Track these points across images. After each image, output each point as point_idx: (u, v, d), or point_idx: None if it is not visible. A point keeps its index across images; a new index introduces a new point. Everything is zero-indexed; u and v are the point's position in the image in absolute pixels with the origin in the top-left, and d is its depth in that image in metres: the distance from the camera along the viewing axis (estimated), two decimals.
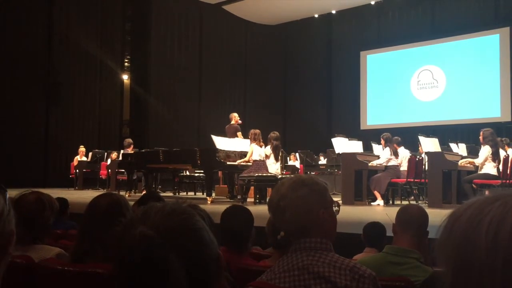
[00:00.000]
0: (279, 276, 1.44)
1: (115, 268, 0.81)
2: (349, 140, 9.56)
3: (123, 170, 10.49)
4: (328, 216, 1.53)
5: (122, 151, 11.26)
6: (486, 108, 14.06)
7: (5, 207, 1.08)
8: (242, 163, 8.32)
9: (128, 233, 0.80)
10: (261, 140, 8.34)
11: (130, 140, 11.07)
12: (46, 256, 2.03)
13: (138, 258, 0.77)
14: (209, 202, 7.84)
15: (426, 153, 8.08)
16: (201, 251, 0.81)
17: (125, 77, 16.05)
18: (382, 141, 8.63)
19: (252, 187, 8.41)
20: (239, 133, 9.79)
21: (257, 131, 8.40)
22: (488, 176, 7.44)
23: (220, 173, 10.35)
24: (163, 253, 0.77)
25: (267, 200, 1.84)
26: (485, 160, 7.48)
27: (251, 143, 8.31)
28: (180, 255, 0.78)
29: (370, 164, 8.52)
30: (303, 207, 1.49)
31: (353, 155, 8.67)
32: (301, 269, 1.42)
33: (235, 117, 10.11)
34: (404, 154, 8.54)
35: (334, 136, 9.74)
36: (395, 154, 8.44)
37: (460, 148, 9.28)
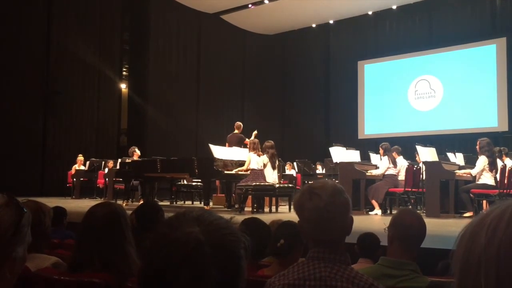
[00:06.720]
0: (294, 284, 1.40)
1: (148, 259, 0.78)
2: (346, 149, 9.55)
3: (121, 179, 10.46)
4: None
5: (119, 160, 11.19)
6: (483, 117, 14.10)
7: (11, 229, 1.00)
8: (239, 172, 8.31)
9: (181, 227, 0.79)
10: (260, 149, 8.36)
11: (135, 148, 10.91)
12: (43, 265, 2.02)
13: (181, 255, 0.75)
14: None
15: (423, 162, 8.07)
16: (233, 277, 0.80)
17: (123, 86, 16.06)
18: (381, 151, 8.62)
19: (249, 196, 8.39)
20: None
21: (256, 140, 8.49)
22: (485, 186, 7.45)
23: (217, 182, 10.32)
24: (206, 262, 0.76)
25: (292, 204, 1.83)
26: (482, 170, 7.49)
27: (249, 152, 8.32)
28: (218, 272, 0.77)
29: (368, 173, 8.52)
30: (346, 215, 1.48)
31: (350, 164, 8.67)
32: (317, 280, 1.39)
33: (240, 127, 10.08)
34: (402, 163, 8.55)
35: (332, 145, 9.73)
36: (394, 163, 8.45)
37: (457, 158, 9.29)
